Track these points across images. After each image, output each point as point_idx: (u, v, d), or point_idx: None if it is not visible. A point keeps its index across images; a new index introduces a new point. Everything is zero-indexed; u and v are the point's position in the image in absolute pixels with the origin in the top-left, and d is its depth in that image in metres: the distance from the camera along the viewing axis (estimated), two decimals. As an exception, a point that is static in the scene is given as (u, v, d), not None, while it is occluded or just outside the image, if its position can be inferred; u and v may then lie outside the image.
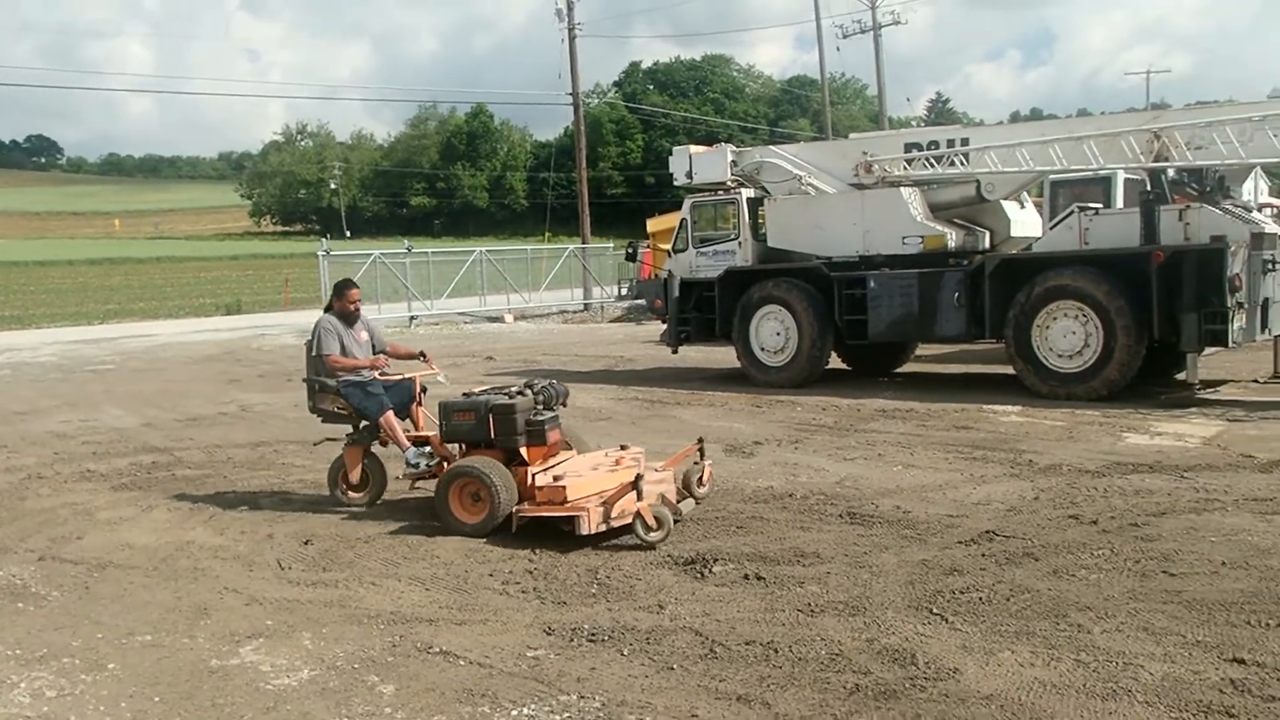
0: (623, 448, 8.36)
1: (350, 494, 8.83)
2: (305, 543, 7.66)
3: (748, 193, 16.37)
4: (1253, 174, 20.33)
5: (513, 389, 8.09)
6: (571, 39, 38.67)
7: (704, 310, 16.55)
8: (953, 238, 14.55)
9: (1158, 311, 12.44)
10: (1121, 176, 15.97)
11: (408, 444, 8.48)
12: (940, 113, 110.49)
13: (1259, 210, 20.69)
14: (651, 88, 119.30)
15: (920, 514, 7.84)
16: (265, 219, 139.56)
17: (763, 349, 15.73)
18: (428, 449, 8.47)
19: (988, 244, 15.07)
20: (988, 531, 7.22)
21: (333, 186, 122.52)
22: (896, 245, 14.72)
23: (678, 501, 7.86)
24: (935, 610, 5.77)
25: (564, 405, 8.35)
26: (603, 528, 7.16)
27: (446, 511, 7.69)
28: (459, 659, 5.34)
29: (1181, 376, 12.90)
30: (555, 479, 7.47)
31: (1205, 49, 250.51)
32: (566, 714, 4.66)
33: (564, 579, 6.59)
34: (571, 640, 5.55)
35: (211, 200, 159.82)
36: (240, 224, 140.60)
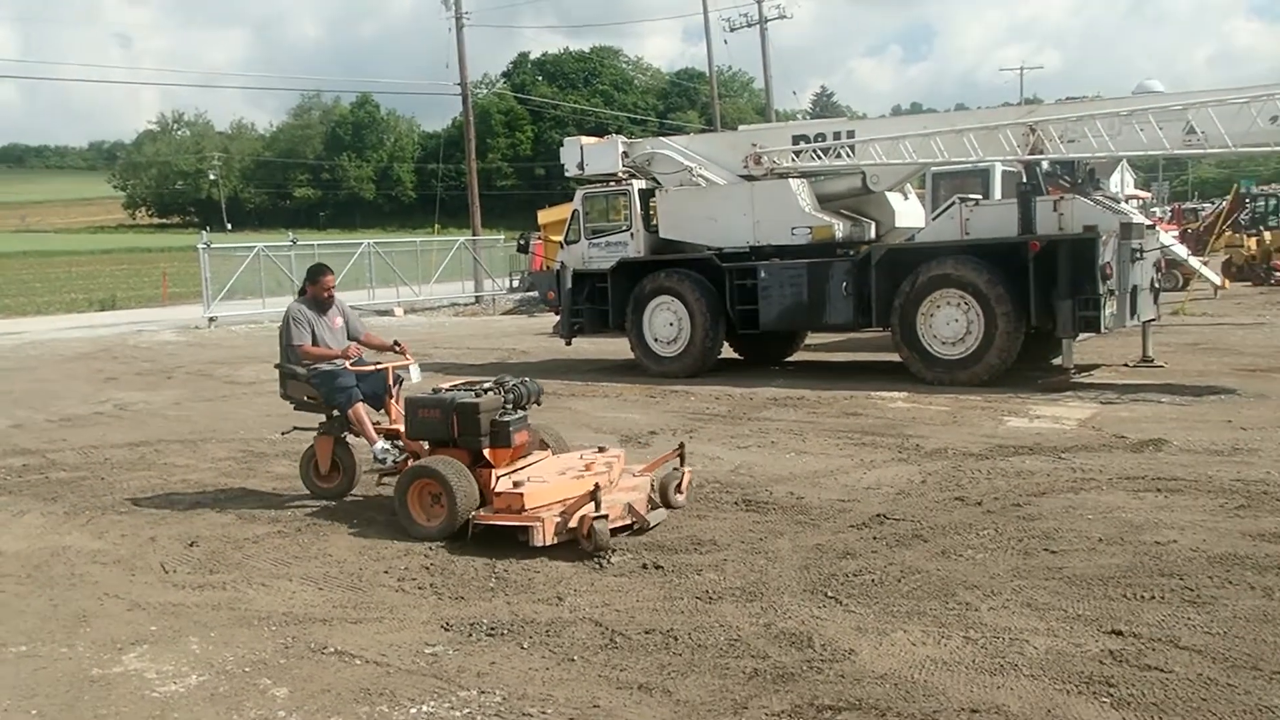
0: (600, 449, 8.05)
1: (320, 484, 8.59)
2: (190, 544, 7.42)
3: (639, 184, 16.42)
4: (1120, 167, 21.12)
5: (483, 386, 7.70)
6: (459, 28, 38.22)
7: (597, 302, 16.54)
8: (840, 228, 14.82)
9: (1035, 299, 12.88)
10: (999, 169, 16.46)
11: (375, 437, 8.23)
12: (825, 106, 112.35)
13: (1126, 201, 21.58)
14: (540, 79, 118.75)
15: (813, 499, 7.98)
16: (140, 211, 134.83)
17: (656, 339, 15.81)
18: (398, 443, 8.16)
19: (874, 234, 15.39)
20: (878, 515, 7.40)
21: (212, 177, 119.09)
22: (786, 236, 14.93)
23: (649, 510, 7.39)
24: (830, 593, 5.88)
25: (537, 404, 7.98)
26: (557, 540, 6.79)
27: (404, 512, 7.33)
28: (355, 658, 5.24)
29: (1058, 361, 13.37)
30: (515, 484, 7.05)
31: (1075, 46, 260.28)
32: (466, 709, 4.62)
33: (461, 574, 6.52)
34: (470, 635, 5.50)
35: (82, 191, 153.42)
36: (114, 216, 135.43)
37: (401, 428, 8.04)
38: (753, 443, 10.37)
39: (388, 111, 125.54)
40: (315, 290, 8.71)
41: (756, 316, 15.00)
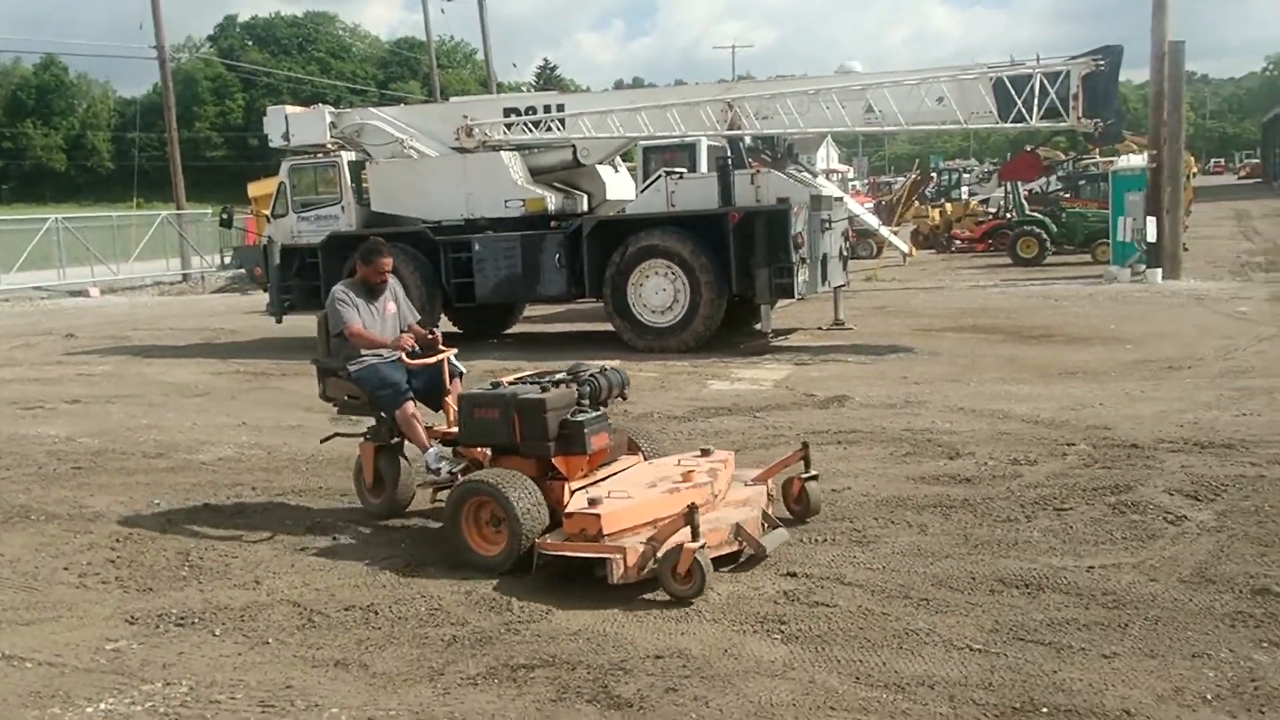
0: (704, 452, 6.53)
1: (372, 500, 7.18)
2: None
3: (349, 156, 16.02)
4: (825, 142, 22.46)
5: (553, 377, 6.37)
6: (154, -14, 35.63)
7: (308, 277, 16.05)
8: (552, 201, 15.05)
9: (736, 267, 13.61)
10: (705, 143, 17.17)
11: (428, 443, 6.86)
12: (548, 79, 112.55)
13: (826, 176, 22.99)
14: (251, 44, 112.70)
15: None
16: None
17: (371, 315, 15.52)
18: (457, 450, 6.85)
19: (586, 207, 15.71)
20: (583, 479, 7.61)
21: None
22: (499, 208, 15.01)
23: (764, 531, 5.97)
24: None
25: (623, 398, 6.66)
26: (640, 576, 5.41)
27: (458, 538, 5.97)
28: (25, 662, 4.92)
29: (758, 327, 14.17)
30: (590, 502, 5.67)
31: (788, 25, 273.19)
32: (150, 703, 4.46)
33: (151, 564, 6.24)
34: (158, 627, 5.29)
35: None
36: None
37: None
38: (466, 415, 10.40)
39: (78, 75, 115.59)
40: (369, 272, 7.20)
41: (472, 289, 15.01)
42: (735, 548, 5.72)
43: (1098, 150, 28.65)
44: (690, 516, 5.26)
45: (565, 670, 4.57)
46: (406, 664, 4.73)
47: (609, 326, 14.87)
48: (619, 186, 16.26)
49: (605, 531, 5.47)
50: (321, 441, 7.96)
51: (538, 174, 15.42)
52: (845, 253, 15.42)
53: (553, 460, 6.00)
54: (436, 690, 4.45)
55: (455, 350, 7.28)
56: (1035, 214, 26.10)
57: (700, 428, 9.26)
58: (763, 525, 5.99)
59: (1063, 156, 36.73)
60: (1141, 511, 6.26)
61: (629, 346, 14.08)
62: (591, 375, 6.33)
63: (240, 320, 21.34)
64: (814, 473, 6.49)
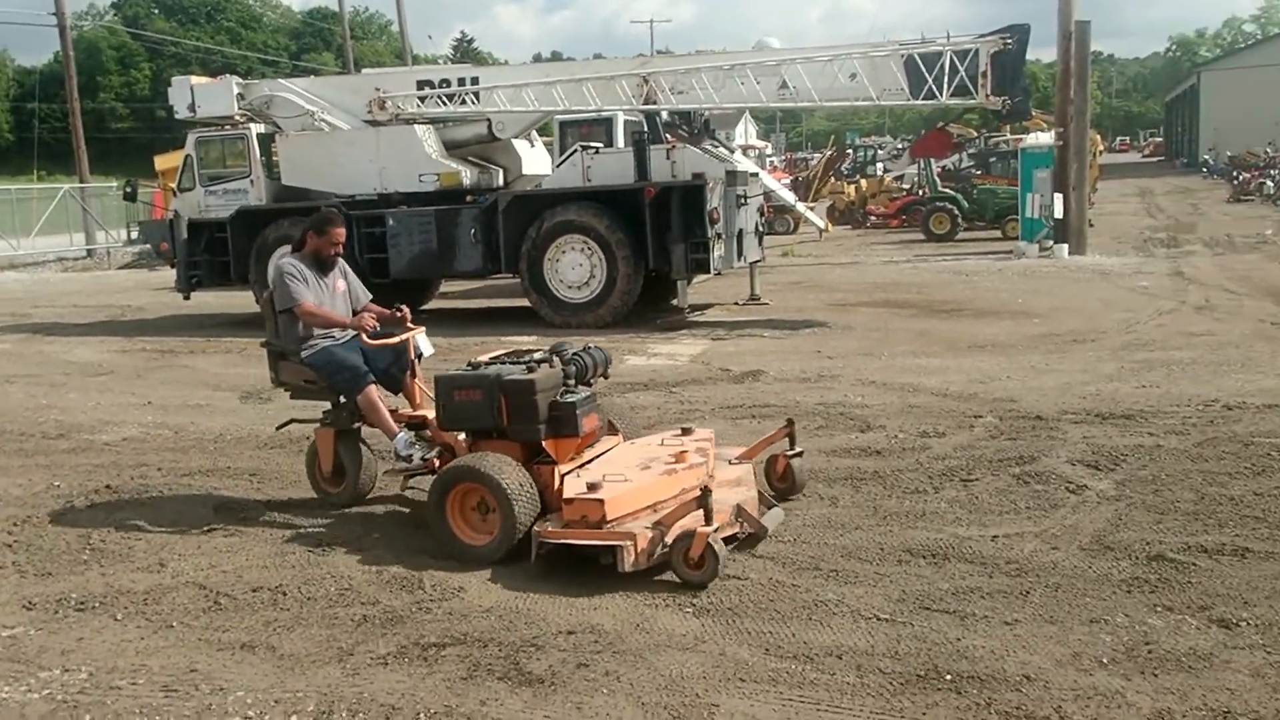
0: (684, 431, 6.32)
1: (328, 488, 6.74)
2: None
3: (258, 128, 15.66)
4: (743, 119, 22.48)
5: (534, 356, 6.06)
6: (50, -49, 34.32)
7: (216, 252, 15.71)
8: (468, 175, 14.88)
9: (652, 243, 13.61)
10: (621, 118, 17.11)
11: (395, 428, 6.41)
12: (466, 52, 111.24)
13: (744, 152, 23.07)
14: (157, 12, 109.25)
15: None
16: None
17: (282, 291, 15.24)
18: (425, 435, 6.48)
19: (501, 181, 15.57)
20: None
21: None
22: (414, 183, 14.80)
23: (762, 510, 5.83)
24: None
25: (605, 377, 6.37)
26: (650, 563, 5.19)
27: (443, 528, 5.64)
28: (-85, 650, 4.76)
29: (675, 302, 14.20)
30: (590, 487, 5.37)
31: (706, 1, 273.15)
32: (47, 690, 4.34)
33: (50, 548, 6.05)
34: (56, 612, 5.14)
35: None
36: None
37: (429, 414, 6.41)
38: (380, 393, 10.28)
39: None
40: (321, 244, 6.66)
41: (387, 265, 14.79)
42: (736, 529, 5.49)
43: (1008, 128, 29.28)
44: (704, 500, 5.06)
45: (476, 648, 4.55)
46: (315, 645, 4.66)
47: (524, 302, 14.78)
48: (535, 161, 16.15)
49: (609, 517, 5.20)
50: (277, 428, 7.53)
51: (453, 148, 15.23)
52: (761, 228, 15.52)
53: (542, 444, 5.72)
54: (345, 671, 4.39)
55: (423, 329, 6.87)
56: (947, 190, 26.53)
57: (616, 403, 9.23)
58: (760, 505, 5.85)
59: (974, 134, 37.41)
60: (1044, 481, 6.42)
61: (546, 322, 14.02)
62: (576, 354, 6.07)
63: (147, 297, 20.79)
64: (799, 449, 6.37)
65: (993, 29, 12.84)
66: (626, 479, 5.49)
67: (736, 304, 15.65)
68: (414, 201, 14.81)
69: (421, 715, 4.00)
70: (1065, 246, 19.79)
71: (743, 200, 14.01)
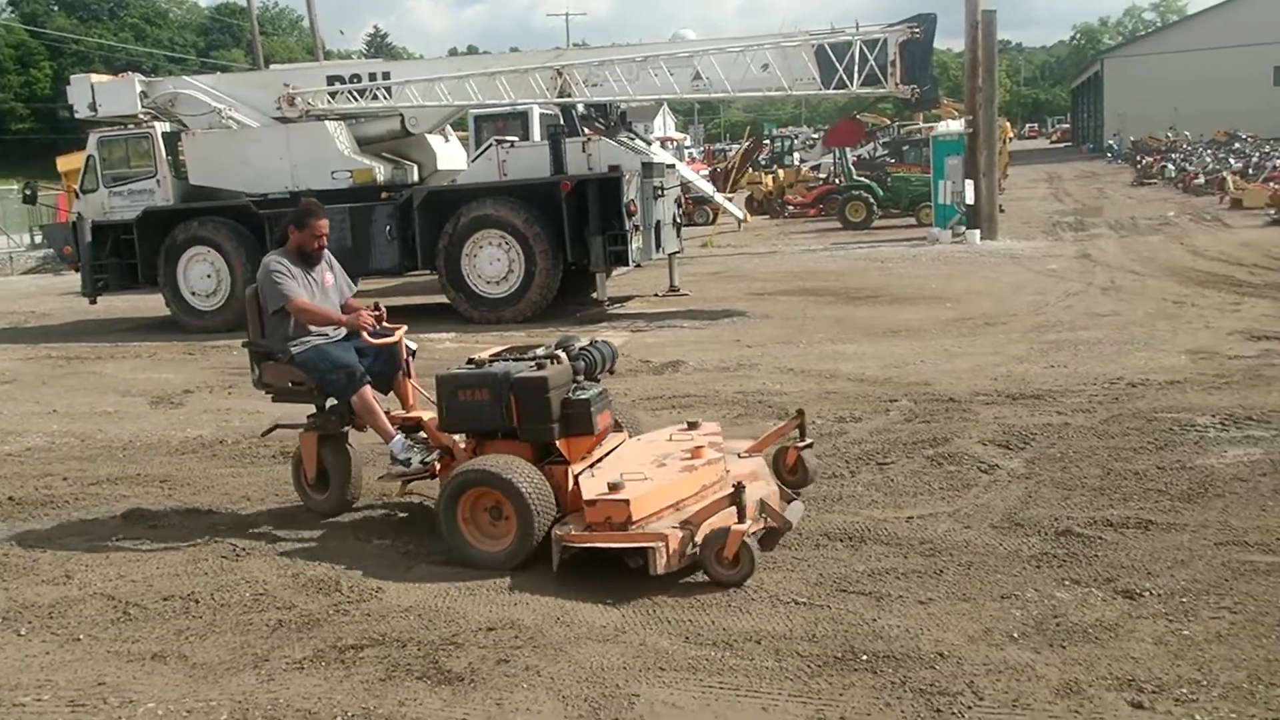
0: (691, 425, 6.01)
1: (314, 495, 6.42)
2: None
3: (163, 127, 15.29)
4: (661, 111, 22.49)
5: (538, 351, 5.85)
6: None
7: (123, 255, 15.33)
8: (381, 171, 14.70)
9: (570, 236, 13.58)
10: (537, 111, 17.05)
11: (392, 431, 6.10)
12: (379, 47, 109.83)
13: (662, 144, 23.09)
14: (57, 9, 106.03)
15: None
16: None
17: (193, 293, 14.97)
18: (421, 437, 6.18)
19: (416, 177, 15.41)
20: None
21: None
22: (326, 180, 14.57)
23: (783, 505, 5.60)
24: (360, 537, 5.94)
25: (610, 372, 6.18)
26: (685, 562, 4.99)
27: (454, 534, 5.37)
28: None
29: (594, 295, 14.19)
30: (611, 486, 5.08)
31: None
32: (-54, 710, 4.20)
33: (-51, 564, 5.86)
34: (-44, 630, 4.97)
35: None
36: None
37: (425, 416, 6.15)
38: (296, 394, 10.11)
39: None
40: (304, 238, 6.28)
41: (301, 264, 14.53)
42: (760, 525, 5.24)
43: (921, 116, 29.72)
44: (738, 496, 4.91)
45: (395, 648, 4.49)
46: (229, 652, 4.57)
47: (442, 298, 14.65)
48: (450, 156, 16.01)
49: (634, 518, 4.96)
50: (263, 435, 7.31)
51: (365, 144, 15.04)
52: (679, 219, 15.58)
53: (555, 443, 5.47)
54: (260, 677, 4.31)
55: (405, 327, 6.54)
56: (862, 179, 26.87)
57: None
58: (781, 499, 5.67)
59: (887, 122, 37.90)
60: (957, 462, 6.54)
61: (465, 318, 13.93)
62: (583, 349, 5.86)
63: (52, 302, 20.23)
64: (809, 441, 6.18)
65: (901, 19, 13.03)
66: (647, 477, 5.24)
67: (656, 295, 15.69)
68: (327, 199, 14.46)
69: (339, 718, 3.94)
70: (977, 232, 20.18)
71: (660, 192, 14.05)
